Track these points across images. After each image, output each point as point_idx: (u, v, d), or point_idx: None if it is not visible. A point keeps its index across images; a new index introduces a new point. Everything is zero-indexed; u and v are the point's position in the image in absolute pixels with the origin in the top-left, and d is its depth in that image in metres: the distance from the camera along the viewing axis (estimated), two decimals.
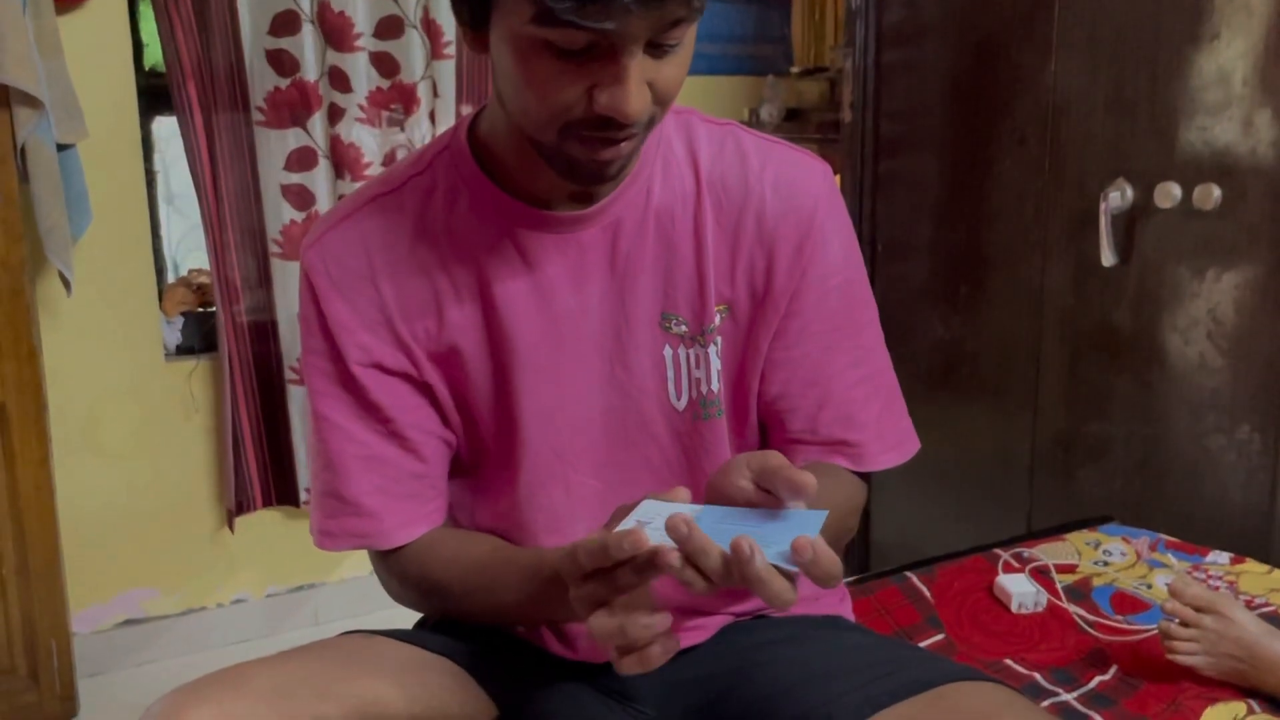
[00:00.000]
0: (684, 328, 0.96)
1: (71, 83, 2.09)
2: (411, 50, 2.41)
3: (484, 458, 1.00)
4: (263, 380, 2.46)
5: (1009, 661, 1.38)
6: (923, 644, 1.41)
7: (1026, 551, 1.67)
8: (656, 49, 0.79)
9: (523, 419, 0.96)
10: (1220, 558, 1.63)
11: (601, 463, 0.98)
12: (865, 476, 1.04)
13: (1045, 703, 1.27)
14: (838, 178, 2.49)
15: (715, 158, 0.97)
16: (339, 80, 2.36)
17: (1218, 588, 1.53)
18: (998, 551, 1.67)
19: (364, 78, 2.39)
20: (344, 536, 0.99)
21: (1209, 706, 1.24)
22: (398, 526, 0.98)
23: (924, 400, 2.28)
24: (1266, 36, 1.69)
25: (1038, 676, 1.34)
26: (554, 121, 0.81)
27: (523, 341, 0.95)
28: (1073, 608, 1.49)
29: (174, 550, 2.47)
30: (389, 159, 2.45)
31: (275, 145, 2.37)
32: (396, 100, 2.44)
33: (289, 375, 2.44)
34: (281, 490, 2.52)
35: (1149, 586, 1.56)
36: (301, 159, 2.38)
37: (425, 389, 0.97)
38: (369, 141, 2.41)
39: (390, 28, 2.40)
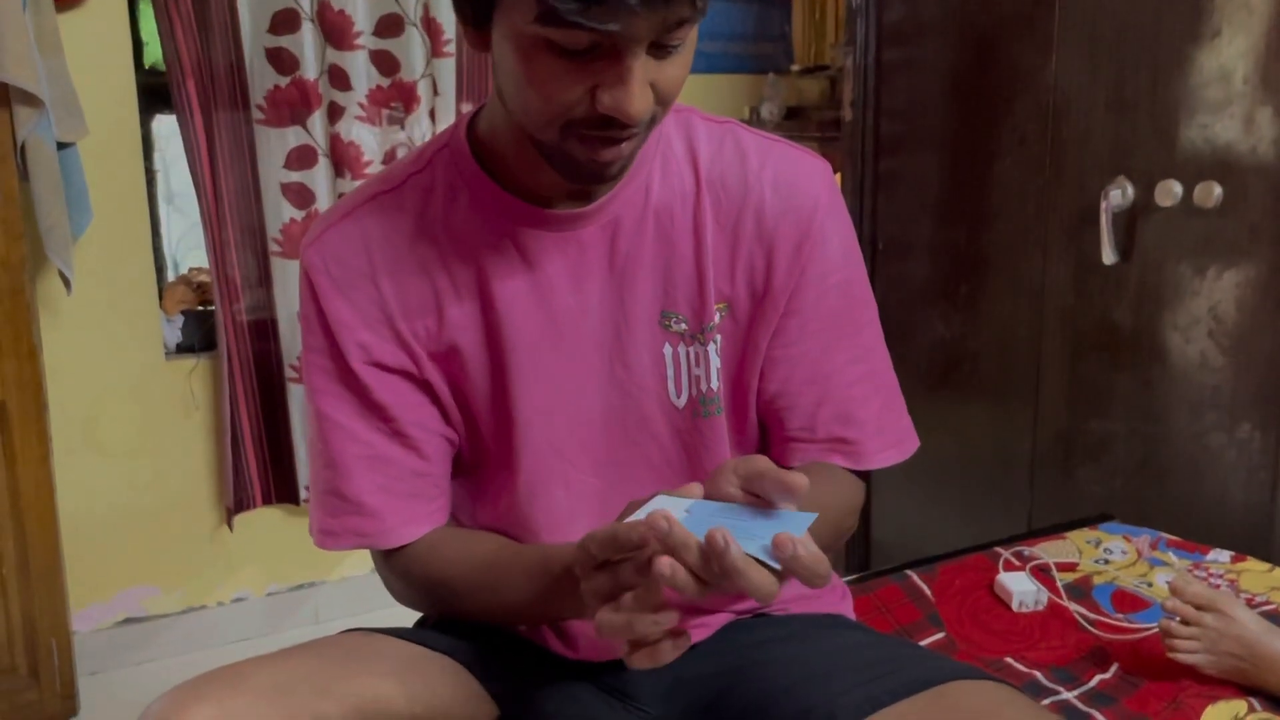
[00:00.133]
0: (684, 326, 0.96)
1: (71, 81, 2.09)
2: (411, 48, 2.41)
3: (484, 456, 1.00)
4: (263, 379, 2.46)
5: (1010, 660, 1.38)
6: (923, 642, 1.41)
7: (1027, 550, 1.67)
8: (659, 49, 0.79)
9: (522, 417, 0.96)
10: (1221, 556, 1.63)
11: (602, 461, 0.98)
12: (865, 475, 1.04)
13: (1046, 701, 1.27)
14: (838, 176, 2.49)
15: (715, 156, 0.97)
16: (339, 78, 2.36)
17: (1218, 586, 1.53)
18: (998, 550, 1.67)
19: (364, 76, 2.39)
20: (346, 536, 0.99)
21: (1210, 705, 1.23)
22: (400, 525, 0.98)
23: (925, 399, 2.28)
24: (1267, 34, 1.69)
25: (1038, 675, 1.34)
26: (555, 120, 0.81)
27: (522, 340, 0.94)
28: (1073, 606, 1.48)
29: (174, 548, 2.47)
30: (389, 157, 2.45)
31: (275, 144, 2.36)
32: (396, 98, 2.43)
33: (289, 374, 2.44)
34: (282, 488, 2.52)
35: (1150, 585, 1.56)
36: (301, 157, 2.38)
37: (426, 387, 0.97)
38: (369, 140, 2.41)
39: (390, 26, 2.40)
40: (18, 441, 2.06)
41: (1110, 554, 1.66)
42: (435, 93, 2.47)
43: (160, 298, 2.45)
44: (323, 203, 2.41)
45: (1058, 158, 2.02)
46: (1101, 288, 1.96)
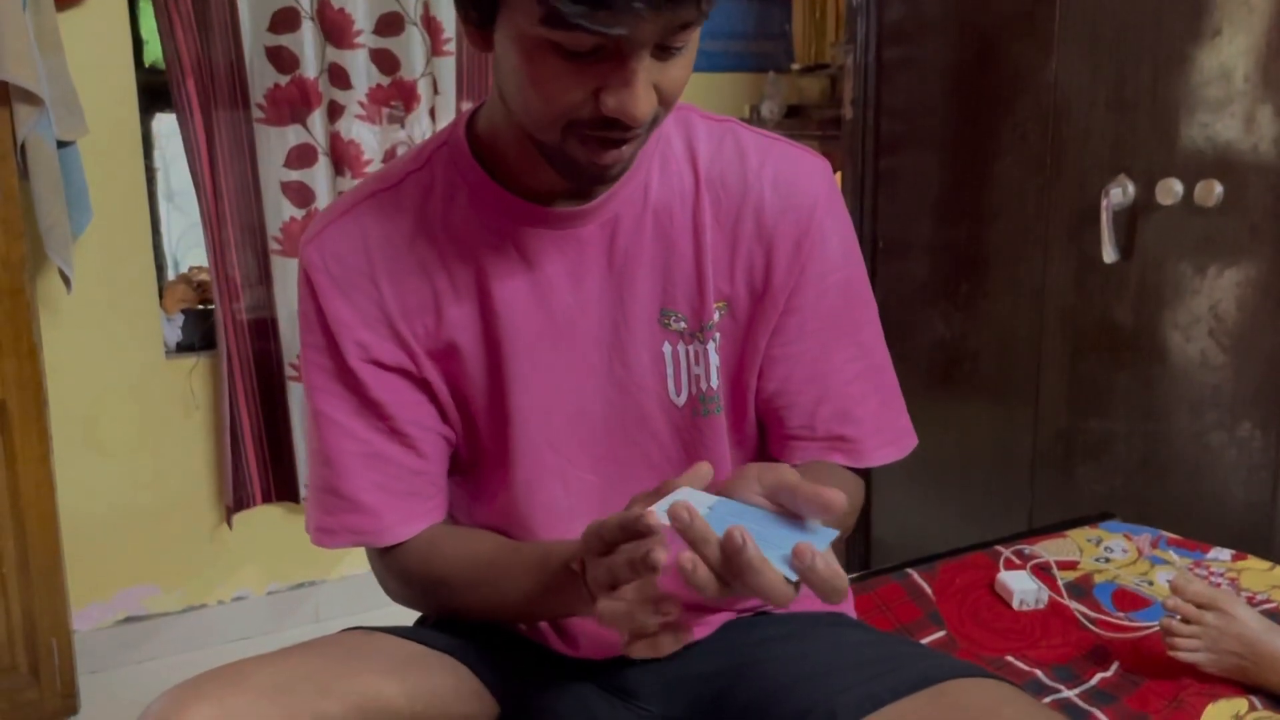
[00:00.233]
0: (683, 324, 0.96)
1: (71, 80, 2.09)
2: (411, 47, 2.41)
3: (482, 454, 1.00)
4: (263, 377, 2.46)
5: (1010, 658, 1.37)
6: (924, 641, 1.41)
7: (1028, 548, 1.67)
8: (663, 51, 0.79)
9: (520, 415, 0.96)
10: (1222, 554, 1.63)
11: (600, 458, 0.98)
12: (864, 473, 1.04)
13: (1047, 699, 1.27)
14: (838, 175, 2.49)
15: (714, 155, 0.97)
16: (339, 77, 2.36)
17: (1219, 584, 1.53)
18: (999, 548, 1.67)
19: (364, 75, 2.39)
20: (342, 533, 0.99)
21: (1210, 703, 1.23)
22: (397, 523, 0.98)
23: (925, 398, 2.28)
24: (1268, 33, 1.69)
25: (1039, 673, 1.34)
26: (558, 121, 0.81)
27: (521, 338, 0.94)
28: (1074, 604, 1.48)
29: (175, 547, 2.47)
30: (389, 156, 2.45)
31: (275, 142, 2.36)
32: (396, 97, 2.43)
33: (289, 372, 2.44)
34: (282, 487, 2.52)
35: (1150, 583, 1.55)
36: (301, 156, 2.38)
37: (423, 385, 0.97)
38: (369, 139, 2.41)
39: (390, 24, 2.40)
40: (18, 440, 2.06)
41: (1111, 552, 1.66)
42: (435, 91, 2.47)
43: (160, 296, 2.45)
44: (323, 201, 2.41)
45: (1058, 156, 2.02)
46: (1102, 286, 1.96)
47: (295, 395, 2.43)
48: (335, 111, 2.37)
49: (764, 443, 1.04)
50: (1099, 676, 1.33)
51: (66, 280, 2.11)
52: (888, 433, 1.03)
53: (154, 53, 2.50)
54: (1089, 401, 2.01)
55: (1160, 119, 1.83)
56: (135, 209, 2.33)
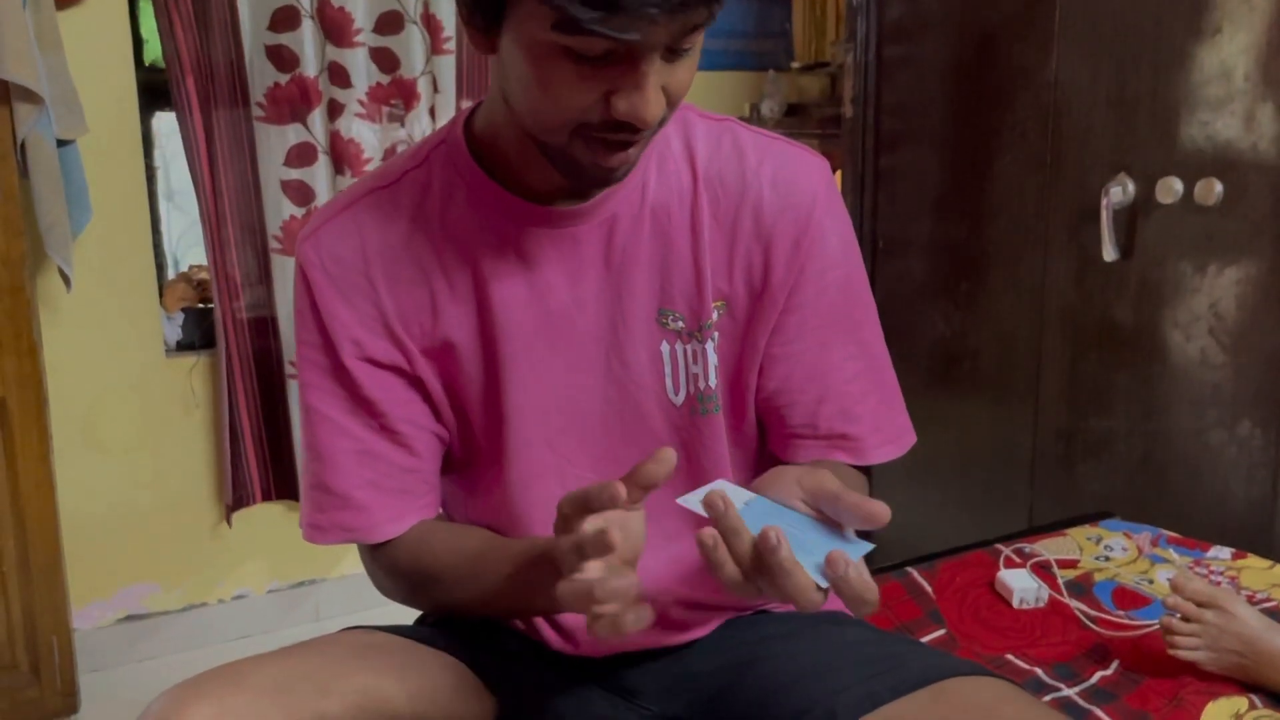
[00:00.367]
0: (680, 324, 0.96)
1: (71, 78, 2.09)
2: (411, 45, 2.41)
3: (477, 453, 1.00)
4: (263, 376, 2.46)
5: (1010, 657, 1.37)
6: (924, 639, 1.41)
7: (1028, 547, 1.67)
8: (671, 53, 0.79)
9: (517, 413, 0.96)
10: (1222, 553, 1.63)
11: (598, 457, 0.98)
12: (865, 471, 1.04)
13: (1047, 698, 1.27)
14: (838, 173, 2.49)
15: (712, 154, 0.97)
16: (339, 76, 2.36)
17: (1219, 583, 1.53)
18: (999, 547, 1.67)
19: (364, 73, 2.39)
20: (333, 530, 0.99)
21: (1210, 701, 1.23)
22: (387, 521, 0.98)
23: (925, 396, 2.28)
24: (1268, 31, 1.69)
25: (1039, 672, 1.34)
26: (566, 125, 0.81)
27: (518, 336, 0.94)
28: (1074, 603, 1.48)
29: (175, 546, 2.47)
30: (389, 154, 2.45)
31: (275, 141, 2.36)
32: (396, 96, 2.43)
33: (289, 371, 2.44)
34: (282, 485, 2.52)
35: (1150, 582, 1.55)
36: (301, 155, 2.38)
37: (417, 384, 0.97)
38: (369, 137, 2.41)
39: (390, 23, 2.40)
40: (18, 439, 2.06)
41: (1111, 551, 1.66)
42: (435, 90, 2.47)
43: (160, 295, 2.45)
44: (322, 200, 2.41)
45: (1058, 155, 2.02)
46: (1102, 285, 1.96)
47: (295, 394, 2.43)
48: (335, 110, 2.37)
49: (763, 441, 1.04)
50: (1099, 675, 1.33)
51: (66, 279, 2.11)
52: (888, 431, 1.03)
53: (154, 51, 2.50)
54: (1089, 400, 2.01)
55: (1160, 117, 1.83)
56: (135, 208, 2.33)
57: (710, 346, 0.97)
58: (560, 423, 0.97)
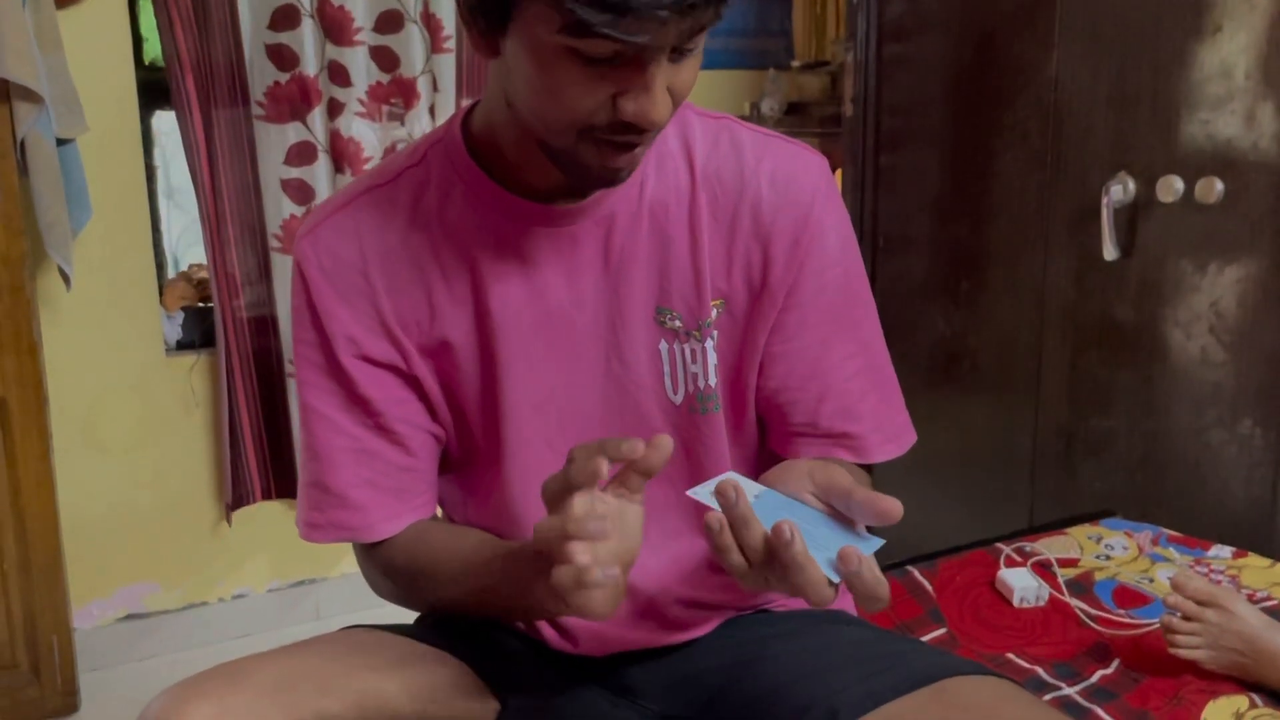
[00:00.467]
0: (679, 323, 0.96)
1: (71, 77, 2.09)
2: (411, 44, 2.41)
3: (475, 452, 1.00)
4: (263, 375, 2.46)
5: (1011, 656, 1.37)
6: (925, 638, 1.41)
7: (1028, 545, 1.67)
8: (677, 54, 0.79)
9: (514, 412, 0.96)
10: (1222, 552, 1.63)
11: None
12: (868, 470, 1.04)
13: (1047, 697, 1.27)
14: (838, 172, 2.49)
15: (710, 151, 0.97)
16: (338, 75, 2.36)
17: (1220, 582, 1.53)
18: (1000, 546, 1.67)
19: (363, 72, 2.38)
20: (329, 529, 0.99)
21: (1211, 700, 1.23)
22: (383, 520, 0.98)
23: (926, 395, 2.28)
24: (1269, 30, 1.69)
25: (1040, 670, 1.34)
26: (573, 127, 0.81)
27: (515, 335, 0.94)
28: (1075, 602, 1.48)
29: (175, 545, 2.47)
30: (389, 153, 2.45)
31: (275, 140, 2.36)
32: (396, 95, 2.43)
33: (289, 369, 2.44)
34: (282, 484, 2.52)
35: (1151, 580, 1.55)
36: (301, 154, 2.38)
37: (414, 383, 0.97)
38: (369, 136, 2.41)
39: (390, 22, 2.39)
40: (18, 438, 2.07)
41: (1111, 550, 1.66)
42: (435, 89, 2.47)
43: (160, 294, 2.45)
44: (322, 199, 2.41)
45: (1059, 153, 2.01)
46: (1103, 284, 1.96)
47: (295, 392, 2.43)
48: (335, 109, 2.37)
49: (763, 440, 1.03)
50: (1100, 674, 1.33)
51: (66, 278, 2.11)
52: (888, 430, 1.02)
53: (154, 50, 2.50)
54: (1089, 399, 2.01)
55: (1161, 116, 1.83)
56: (135, 207, 2.33)
57: (709, 345, 0.96)
58: (559, 422, 0.97)
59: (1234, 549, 1.64)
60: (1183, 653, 1.27)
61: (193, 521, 2.48)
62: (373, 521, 0.98)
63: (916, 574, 1.59)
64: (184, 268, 2.78)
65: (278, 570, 2.59)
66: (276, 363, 2.46)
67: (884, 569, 1.60)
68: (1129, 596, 1.51)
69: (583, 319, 0.95)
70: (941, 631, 1.44)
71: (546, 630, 1.02)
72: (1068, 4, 1.97)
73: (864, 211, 2.42)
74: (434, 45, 2.44)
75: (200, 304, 2.53)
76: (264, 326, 2.45)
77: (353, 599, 2.61)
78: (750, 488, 0.75)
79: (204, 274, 2.56)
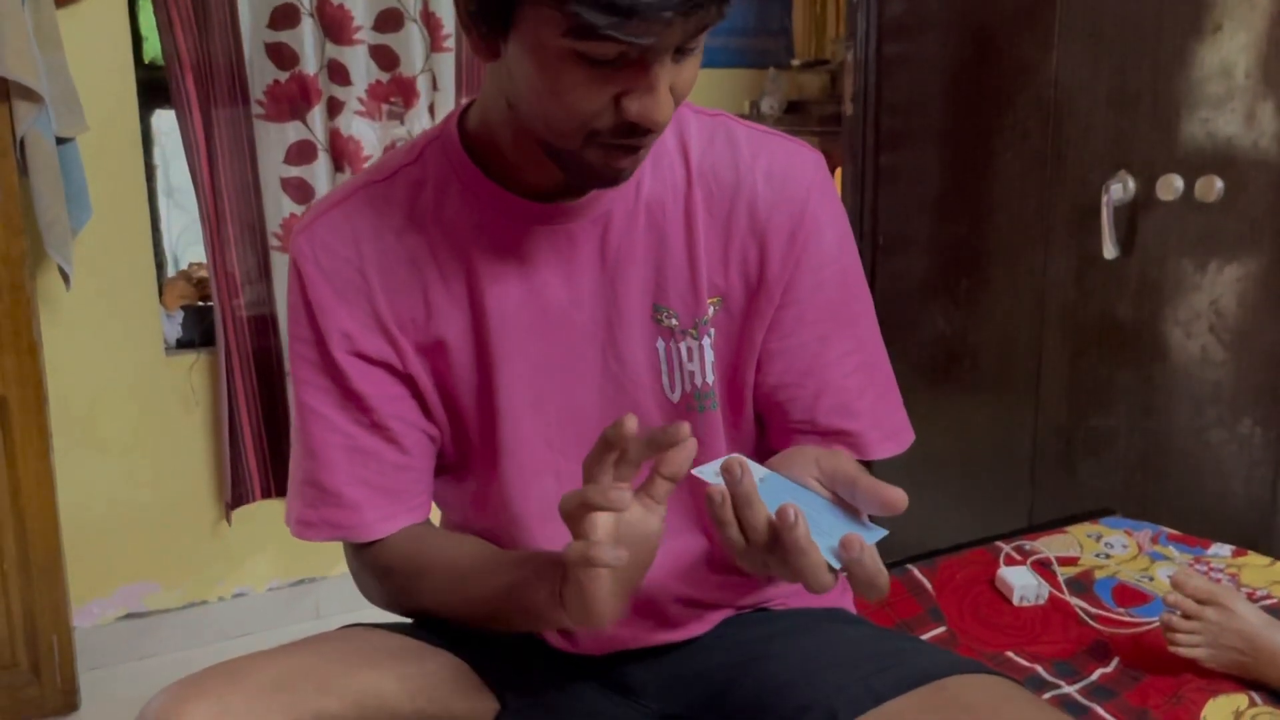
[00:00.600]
0: (675, 321, 0.96)
1: (71, 76, 2.09)
2: (411, 43, 2.41)
3: (471, 450, 0.99)
4: (262, 374, 2.46)
5: (1011, 654, 1.37)
6: (924, 636, 1.41)
7: (1028, 544, 1.67)
8: (679, 53, 0.79)
9: (511, 410, 0.95)
10: (1222, 550, 1.63)
11: None
12: (867, 466, 1.04)
13: (1047, 695, 1.27)
14: (838, 171, 2.49)
15: (706, 148, 0.96)
16: (338, 73, 2.36)
17: (1219, 580, 1.53)
18: (999, 544, 1.67)
19: (363, 71, 2.38)
20: (322, 527, 0.98)
21: (1211, 699, 1.23)
22: (378, 520, 0.97)
23: (925, 394, 2.28)
24: (1269, 29, 1.69)
25: (1039, 669, 1.34)
26: (579, 130, 0.81)
27: (512, 333, 0.94)
28: (1074, 600, 1.48)
29: (175, 544, 2.47)
30: (388, 152, 2.44)
31: (275, 139, 2.36)
32: (396, 93, 2.43)
33: (289, 368, 2.43)
34: (281, 483, 2.51)
35: (1151, 579, 1.55)
36: (301, 152, 2.38)
37: (408, 381, 0.96)
38: (368, 135, 2.41)
39: (389, 20, 2.39)
40: (18, 437, 2.07)
41: (1111, 548, 1.66)
42: (435, 88, 2.47)
43: (160, 293, 2.45)
44: None
45: (1059, 152, 2.01)
46: (1103, 282, 1.96)
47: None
48: (335, 108, 2.37)
49: (761, 437, 1.03)
50: (1099, 672, 1.33)
51: (66, 277, 2.11)
52: (887, 427, 1.02)
53: (153, 49, 2.50)
54: (1089, 397, 2.01)
55: (1161, 115, 1.83)
56: (135, 206, 2.33)
57: (707, 343, 0.96)
58: (558, 420, 0.97)
59: (1234, 547, 1.64)
60: (1182, 651, 1.27)
61: (193, 520, 2.48)
62: (366, 521, 0.97)
63: (916, 572, 1.59)
64: (184, 267, 2.78)
65: (277, 569, 2.60)
66: (276, 362, 2.46)
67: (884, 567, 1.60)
68: (1129, 595, 1.51)
69: (580, 317, 0.95)
70: (941, 630, 1.44)
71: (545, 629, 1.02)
72: (1068, 3, 1.97)
73: (864, 210, 2.42)
74: (434, 44, 2.44)
75: (200, 303, 2.53)
76: (264, 325, 2.45)
77: (352, 598, 2.58)
78: (756, 471, 0.75)
79: (204, 273, 2.56)
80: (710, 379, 0.97)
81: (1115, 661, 1.34)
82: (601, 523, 0.75)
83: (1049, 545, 1.66)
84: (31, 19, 1.98)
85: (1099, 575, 1.57)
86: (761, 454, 1.03)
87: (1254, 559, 1.60)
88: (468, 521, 1.04)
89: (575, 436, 0.98)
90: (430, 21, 2.43)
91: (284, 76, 2.33)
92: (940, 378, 2.32)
